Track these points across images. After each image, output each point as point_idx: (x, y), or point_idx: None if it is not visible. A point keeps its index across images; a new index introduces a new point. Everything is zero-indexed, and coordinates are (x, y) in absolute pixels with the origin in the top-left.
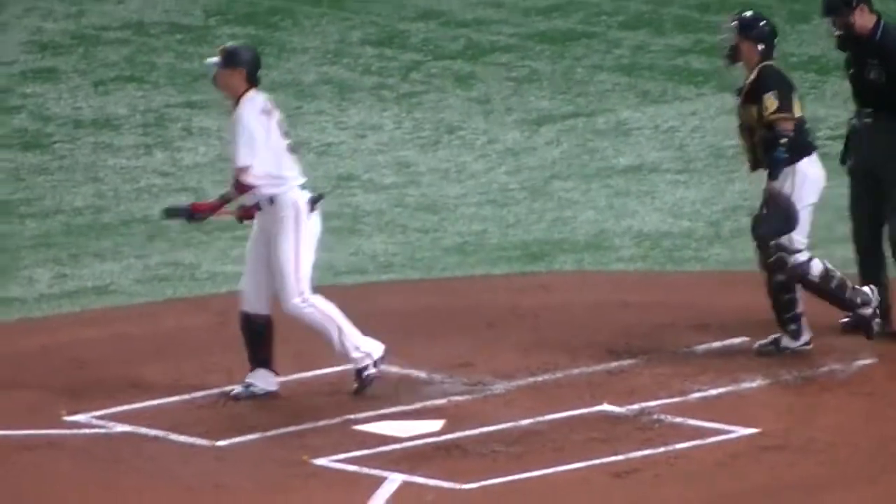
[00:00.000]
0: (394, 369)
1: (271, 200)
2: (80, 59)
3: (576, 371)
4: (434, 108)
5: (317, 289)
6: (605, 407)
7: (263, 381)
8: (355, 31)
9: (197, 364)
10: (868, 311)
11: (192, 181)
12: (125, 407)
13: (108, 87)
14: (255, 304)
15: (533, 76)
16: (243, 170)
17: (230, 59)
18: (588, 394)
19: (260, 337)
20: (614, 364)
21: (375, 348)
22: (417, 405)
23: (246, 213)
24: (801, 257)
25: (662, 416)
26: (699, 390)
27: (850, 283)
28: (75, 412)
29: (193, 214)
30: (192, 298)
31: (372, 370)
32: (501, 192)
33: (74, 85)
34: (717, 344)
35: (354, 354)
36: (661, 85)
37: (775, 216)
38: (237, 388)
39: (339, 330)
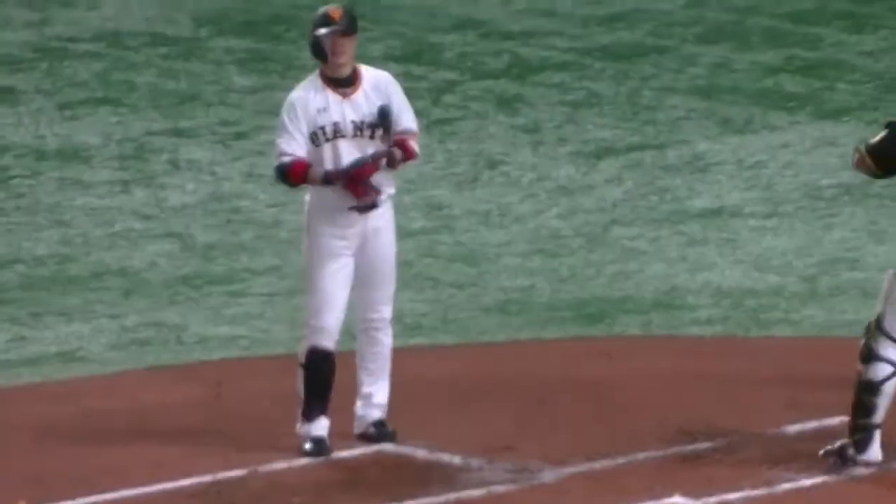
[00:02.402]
0: (421, 452)
1: (389, 196)
2: (44, 77)
3: (642, 456)
4: (472, 138)
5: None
6: (677, 500)
7: (325, 429)
8: (376, 45)
9: (184, 445)
10: (852, 453)
11: (178, 225)
12: (96, 498)
13: (76, 110)
14: (336, 337)
15: (591, 100)
16: (416, 135)
17: (355, 23)
18: (657, 484)
19: (332, 378)
20: (688, 448)
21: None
22: (450, 496)
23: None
24: (891, 353)
25: None
26: (790, 480)
27: (881, 421)
28: None
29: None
30: (178, 367)
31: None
32: (553, 240)
33: (36, 108)
34: (812, 424)
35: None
36: (745, 111)
37: None
38: (307, 446)
39: None
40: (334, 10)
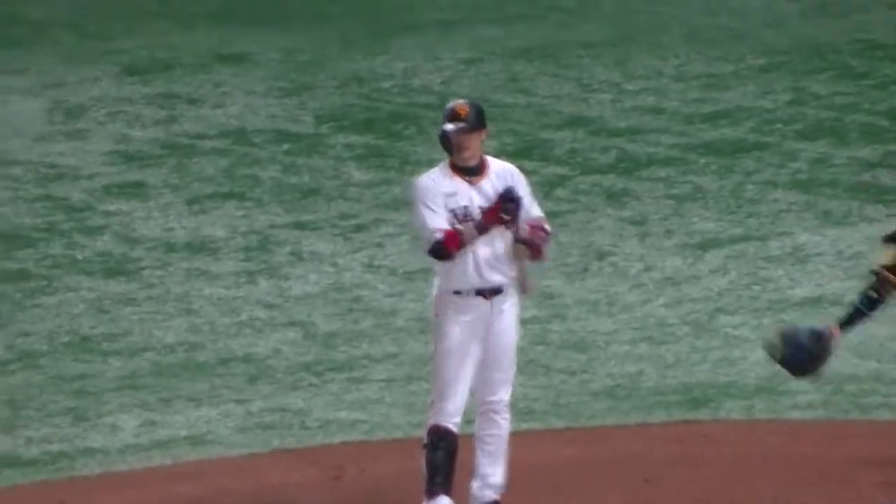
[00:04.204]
0: None
1: (512, 283)
2: (172, 172)
3: None
4: (582, 230)
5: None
6: None
7: None
8: (490, 141)
9: None
10: None
11: (301, 314)
12: None
13: (203, 204)
14: (459, 419)
15: (696, 193)
16: (546, 221)
17: (481, 118)
18: None
19: (454, 458)
20: None
21: None
22: None
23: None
24: None
25: None
26: None
27: None
28: None
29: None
30: (301, 450)
31: None
32: (659, 328)
33: (165, 202)
34: None
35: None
36: (844, 204)
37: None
38: None
39: None
40: (461, 106)
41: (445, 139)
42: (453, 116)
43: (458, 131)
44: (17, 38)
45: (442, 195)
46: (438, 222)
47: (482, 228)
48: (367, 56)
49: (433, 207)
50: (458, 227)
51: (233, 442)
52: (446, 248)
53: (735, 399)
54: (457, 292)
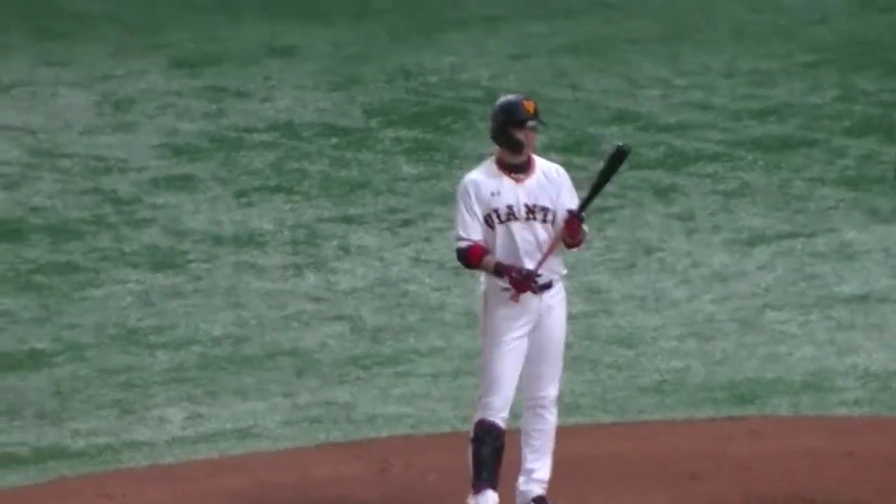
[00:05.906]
0: None
1: (560, 277)
2: (220, 166)
3: None
4: (629, 226)
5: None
6: None
7: (493, 502)
8: (539, 136)
9: None
10: None
11: (348, 307)
12: None
13: (251, 198)
14: (506, 414)
15: (744, 189)
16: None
17: None
18: None
19: (501, 453)
20: None
21: None
22: None
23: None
24: None
25: None
26: None
27: None
28: None
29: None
30: (347, 444)
31: None
32: (707, 324)
33: (213, 195)
34: None
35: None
36: (892, 201)
37: None
38: None
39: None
40: (528, 102)
41: (509, 136)
42: (523, 114)
43: (533, 128)
44: (63, 31)
45: (485, 196)
46: (468, 231)
47: (497, 273)
48: (414, 50)
49: (467, 214)
50: (487, 247)
51: (279, 435)
52: (465, 260)
53: (782, 395)
54: (505, 288)
